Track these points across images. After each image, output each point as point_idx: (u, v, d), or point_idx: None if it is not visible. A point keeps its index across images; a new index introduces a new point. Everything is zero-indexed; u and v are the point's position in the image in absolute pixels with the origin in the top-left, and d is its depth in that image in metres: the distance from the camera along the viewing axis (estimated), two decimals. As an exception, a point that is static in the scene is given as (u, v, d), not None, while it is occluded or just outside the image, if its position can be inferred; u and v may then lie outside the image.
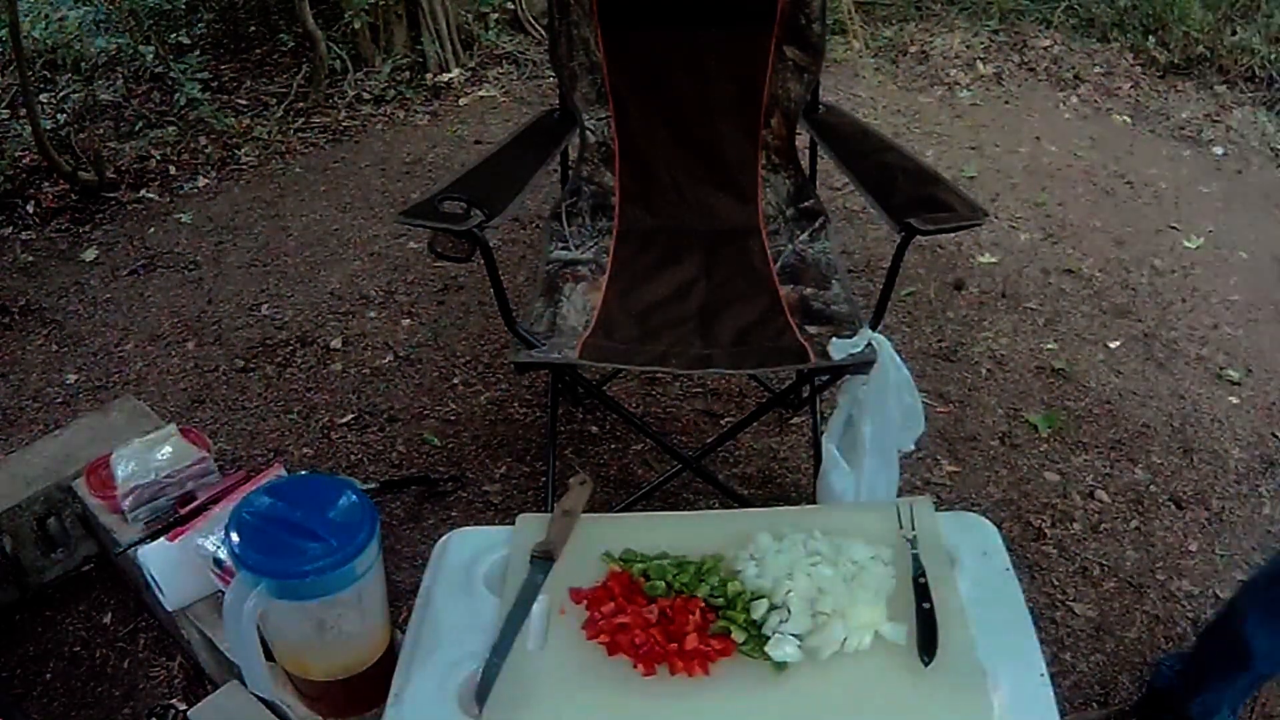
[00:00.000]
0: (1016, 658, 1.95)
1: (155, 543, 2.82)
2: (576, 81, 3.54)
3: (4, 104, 7.06)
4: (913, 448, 2.97)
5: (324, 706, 2.41)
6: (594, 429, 3.93)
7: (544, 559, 2.15)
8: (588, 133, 3.60)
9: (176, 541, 2.77)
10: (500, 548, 2.26)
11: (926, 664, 1.87)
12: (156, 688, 3.23)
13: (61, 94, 6.96)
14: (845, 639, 1.90)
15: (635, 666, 1.90)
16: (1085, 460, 3.75)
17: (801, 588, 1.96)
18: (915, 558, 2.08)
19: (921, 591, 2.00)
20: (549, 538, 2.19)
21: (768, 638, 1.91)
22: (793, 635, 1.91)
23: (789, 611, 1.93)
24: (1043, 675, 1.92)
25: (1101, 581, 3.29)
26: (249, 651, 2.19)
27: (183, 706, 2.68)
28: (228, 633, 2.25)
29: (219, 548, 2.62)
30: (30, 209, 6.15)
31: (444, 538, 2.36)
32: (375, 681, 2.21)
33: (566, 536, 2.20)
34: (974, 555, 2.17)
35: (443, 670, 2.00)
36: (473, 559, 2.25)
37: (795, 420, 3.83)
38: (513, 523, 2.33)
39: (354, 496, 2.17)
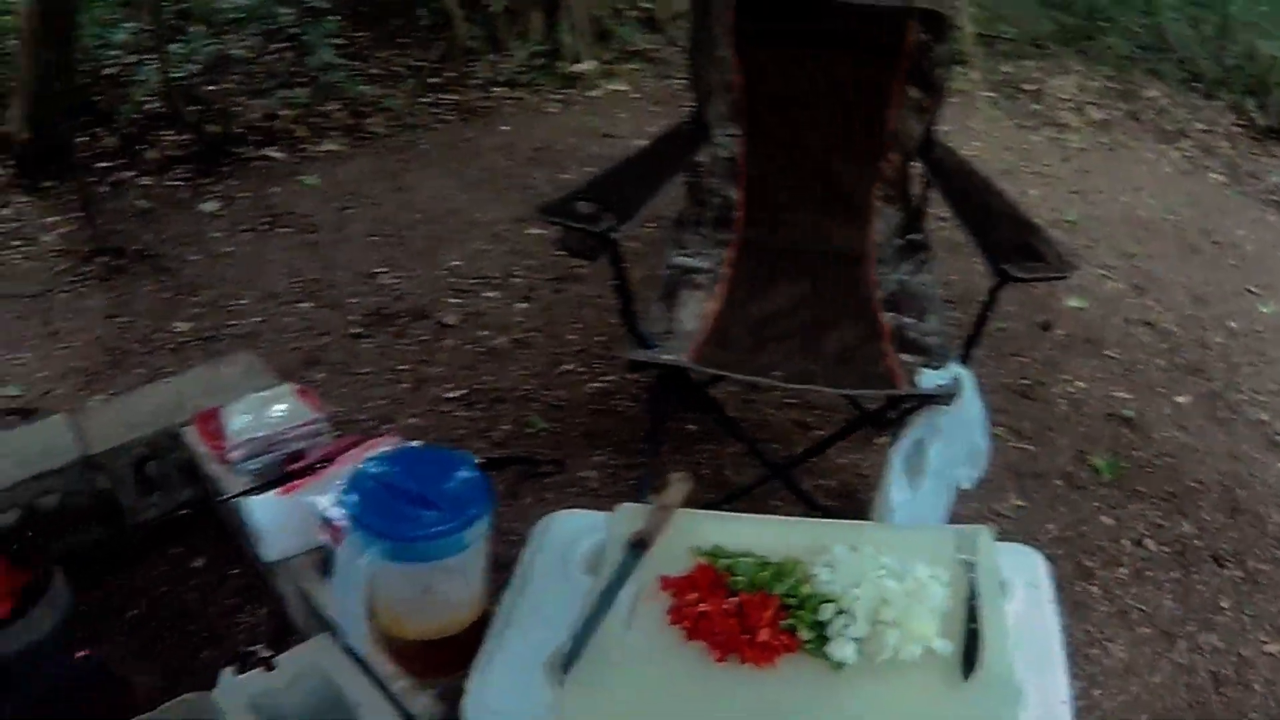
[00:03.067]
0: (1045, 683, 2.11)
1: (264, 494, 2.85)
2: (711, 97, 3.69)
3: (131, 50, 7.16)
4: (970, 486, 3.13)
5: (412, 666, 2.44)
6: (692, 428, 3.92)
7: (638, 547, 2.24)
8: (717, 147, 3.73)
9: (287, 496, 2.81)
10: (598, 532, 2.38)
11: (966, 678, 1.99)
12: (240, 635, 3.23)
13: (192, 46, 7.00)
14: (899, 647, 2.02)
15: (710, 652, 2.03)
16: (1139, 509, 3.75)
17: (867, 596, 2.08)
18: (971, 581, 2.20)
19: (971, 613, 2.12)
20: (646, 527, 2.29)
21: (830, 639, 2.03)
22: (853, 639, 2.03)
23: (853, 617, 2.05)
24: (1064, 703, 2.09)
25: (1137, 626, 3.30)
26: (354, 607, 2.34)
27: (267, 654, 2.66)
28: (336, 587, 2.37)
29: (330, 505, 2.62)
30: (151, 155, 6.22)
31: (546, 518, 2.52)
32: (464, 646, 2.28)
33: (662, 528, 2.30)
34: (1023, 586, 2.34)
35: (533, 639, 2.14)
36: (572, 540, 2.41)
37: (879, 440, 3.81)
38: (611, 510, 2.44)
39: (471, 471, 2.29)
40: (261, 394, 3.23)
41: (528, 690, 2.02)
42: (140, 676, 3.09)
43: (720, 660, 2.01)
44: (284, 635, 2.99)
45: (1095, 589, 3.42)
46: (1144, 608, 3.37)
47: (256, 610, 3.30)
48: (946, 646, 2.04)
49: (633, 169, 3.53)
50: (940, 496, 3.03)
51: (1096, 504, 3.75)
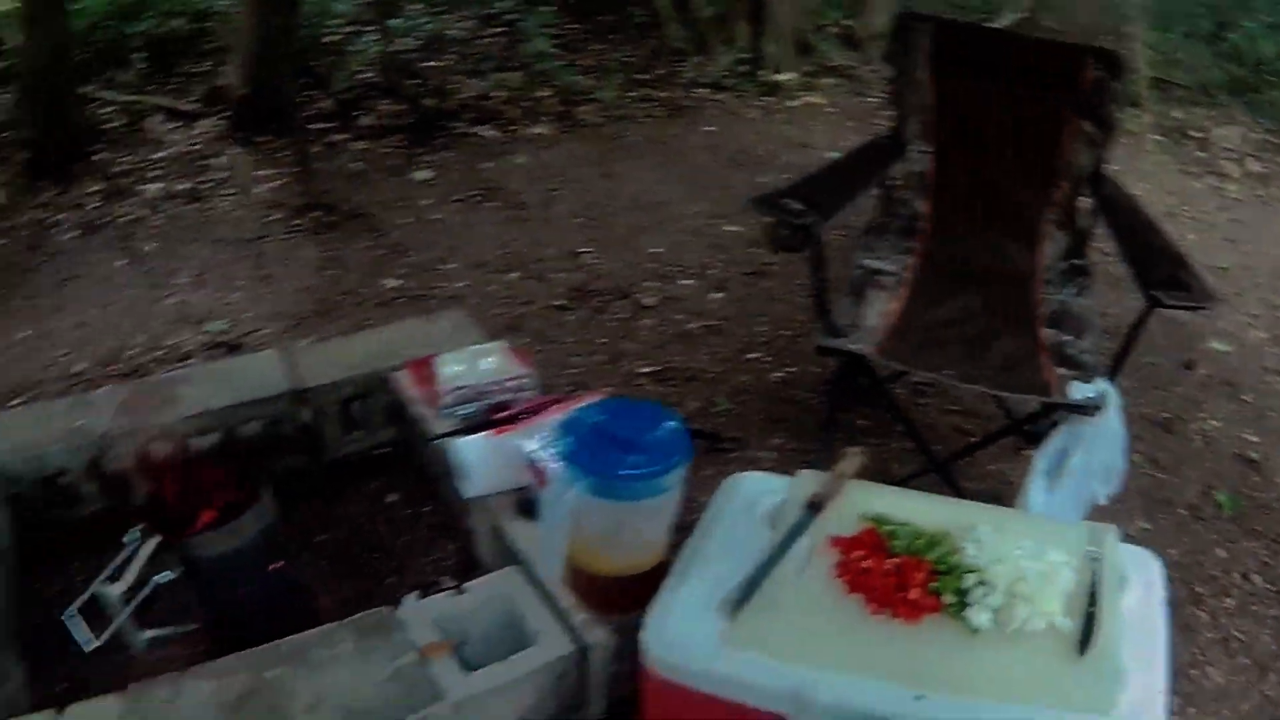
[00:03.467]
0: (1148, 671, 2.28)
1: (474, 435, 3.00)
2: (908, 116, 3.90)
3: (351, 21, 7.42)
4: (1104, 502, 3.31)
5: (593, 601, 2.61)
6: (862, 422, 4.01)
7: (814, 508, 2.47)
8: (910, 162, 3.92)
9: (496, 437, 2.96)
10: (779, 493, 2.61)
11: (1081, 654, 2.21)
12: (426, 567, 3.40)
13: (411, 22, 7.22)
14: (1027, 620, 2.26)
15: (866, 605, 2.30)
16: (1253, 546, 3.78)
17: (1006, 572, 2.32)
18: (1095, 571, 2.40)
19: (1092, 598, 2.32)
20: (822, 491, 2.51)
21: (969, 605, 2.28)
22: (990, 607, 2.27)
23: (992, 588, 2.29)
24: (1161, 693, 2.25)
25: (1236, 655, 3.33)
26: (557, 535, 2.54)
27: (451, 585, 2.81)
28: (543, 518, 2.56)
29: (537, 448, 2.77)
30: (366, 122, 6.46)
31: (735, 476, 2.78)
32: (644, 587, 2.47)
33: (836, 494, 2.53)
34: (1140, 584, 2.51)
35: (711, 580, 2.40)
36: (755, 497, 2.64)
37: (1025, 452, 3.86)
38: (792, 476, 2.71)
39: (673, 424, 2.52)
40: (474, 347, 3.40)
41: (702, 624, 2.27)
42: (326, 595, 3.28)
43: (875, 613, 2.27)
44: (468, 570, 3.12)
45: (1204, 615, 3.48)
46: (1244, 638, 3.41)
47: (445, 546, 3.46)
48: (1067, 624, 2.25)
49: (835, 174, 3.97)
50: (1076, 503, 3.19)
51: (1215, 536, 3.80)
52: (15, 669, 2.98)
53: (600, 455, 2.38)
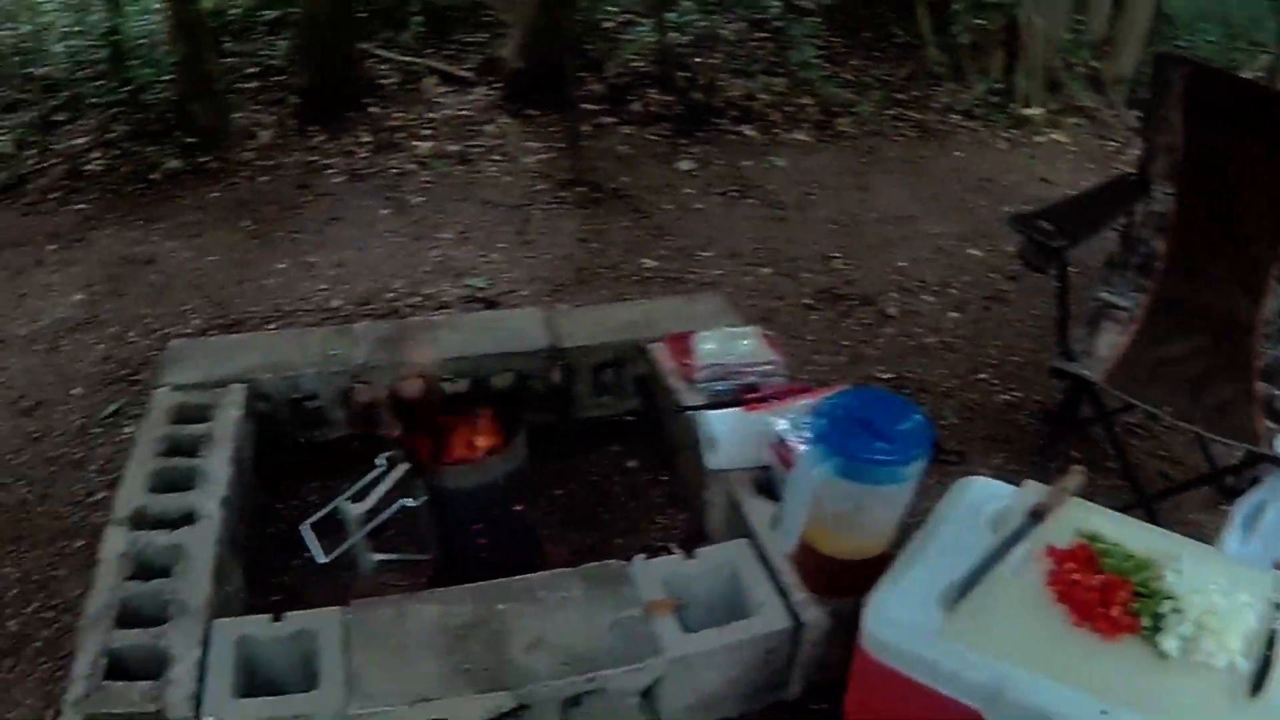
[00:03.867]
0: None
1: (726, 410, 3.23)
2: (1155, 156, 3.91)
3: (625, 10, 7.76)
4: None
5: (817, 581, 2.78)
6: (1074, 454, 4.05)
7: (1036, 517, 2.49)
8: (1152, 201, 3.94)
9: (747, 413, 3.18)
10: (1004, 499, 2.68)
11: (1252, 696, 2.25)
12: (655, 532, 3.63)
13: (684, 18, 7.49)
14: (1212, 653, 2.30)
15: (1070, 615, 2.38)
16: None
17: (1200, 604, 2.37)
18: (1276, 620, 2.42)
19: (1270, 643, 2.35)
20: (1045, 502, 2.53)
21: (1162, 630, 2.33)
22: (1180, 635, 2.32)
23: (1185, 617, 2.34)
24: None
25: None
26: (799, 508, 2.65)
27: (677, 553, 2.99)
28: (788, 492, 2.70)
29: (787, 428, 2.99)
30: (635, 108, 6.80)
31: (965, 479, 2.82)
32: (865, 575, 2.58)
33: (1057, 507, 2.55)
34: None
35: (931, 572, 2.48)
36: (981, 501, 2.70)
37: (1224, 506, 3.88)
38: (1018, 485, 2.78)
39: (919, 418, 2.61)
40: (731, 329, 3.64)
41: (922, 611, 2.38)
42: (556, 546, 3.55)
43: (1076, 624, 2.35)
44: (697, 541, 3.28)
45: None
46: None
47: (676, 516, 3.69)
48: (1244, 664, 2.30)
49: (1083, 204, 4.09)
50: (1267, 556, 3.10)
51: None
52: (237, 572, 3.23)
53: (851, 438, 2.49)
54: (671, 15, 7.24)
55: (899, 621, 2.38)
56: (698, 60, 7.30)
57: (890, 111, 7.06)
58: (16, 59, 7.95)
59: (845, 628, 2.60)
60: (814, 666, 2.81)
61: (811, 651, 2.77)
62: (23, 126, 7.08)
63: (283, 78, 7.62)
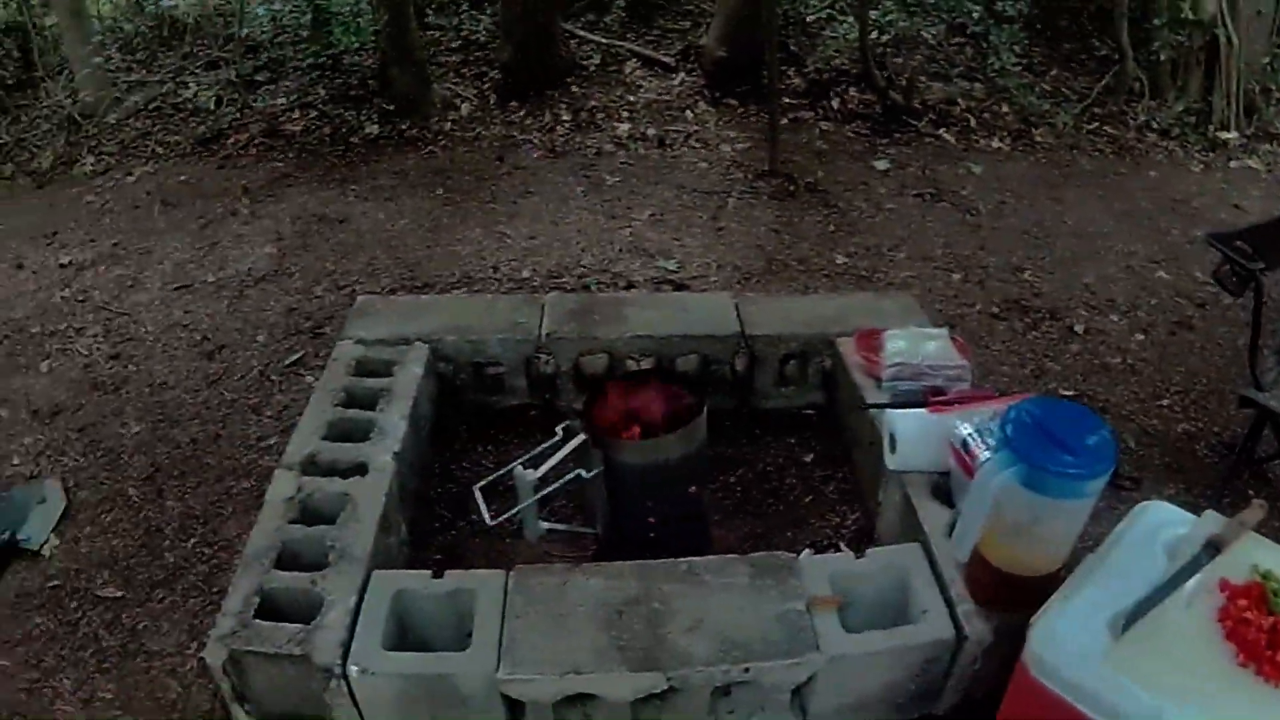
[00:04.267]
0: None
1: (913, 410, 3.14)
2: None
3: (827, 6, 7.69)
4: None
5: (984, 594, 2.71)
6: (1251, 491, 3.87)
7: (1213, 548, 2.44)
8: None
9: (934, 414, 3.08)
10: (1182, 528, 2.57)
11: None
12: (825, 528, 3.57)
13: (888, 18, 7.41)
14: None
15: (1237, 654, 2.26)
16: None
17: None
18: None
19: None
20: (1223, 535, 2.47)
21: None
22: None
23: None
24: None
25: None
26: (977, 515, 2.59)
27: (847, 549, 2.97)
28: (967, 497, 2.62)
29: (971, 433, 2.91)
30: (834, 105, 6.75)
31: (1142, 504, 2.69)
32: (1034, 592, 2.51)
33: (1235, 540, 2.47)
34: None
35: (1103, 596, 2.38)
36: (1159, 527, 2.58)
37: None
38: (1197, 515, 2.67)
39: (1106, 434, 2.50)
40: (922, 329, 3.55)
41: (1090, 635, 2.30)
42: (724, 531, 3.53)
43: (1242, 664, 2.24)
44: (866, 541, 3.31)
45: None
46: None
47: (847, 514, 3.63)
48: None
49: None
50: None
51: None
52: (401, 526, 3.28)
53: (1037, 446, 2.42)
54: (873, 13, 7.15)
55: (1066, 644, 2.30)
56: (897, 60, 7.24)
57: (1088, 126, 6.93)
58: (220, 19, 8.25)
59: (1007, 645, 2.54)
60: (969, 682, 2.75)
61: (970, 666, 2.70)
62: (222, 84, 7.34)
63: (484, 53, 7.76)
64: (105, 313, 4.92)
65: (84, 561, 3.52)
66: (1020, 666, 2.40)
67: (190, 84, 7.51)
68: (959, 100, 6.92)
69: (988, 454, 2.74)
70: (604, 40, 7.82)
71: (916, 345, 3.40)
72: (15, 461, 3.99)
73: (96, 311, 4.93)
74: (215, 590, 3.33)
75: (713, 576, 2.79)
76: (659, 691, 2.58)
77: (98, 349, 4.63)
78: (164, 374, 4.44)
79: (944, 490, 3.03)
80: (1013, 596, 2.61)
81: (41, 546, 3.56)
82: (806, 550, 2.92)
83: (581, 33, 7.90)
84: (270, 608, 2.76)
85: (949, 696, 2.79)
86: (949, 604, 2.73)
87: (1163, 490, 3.87)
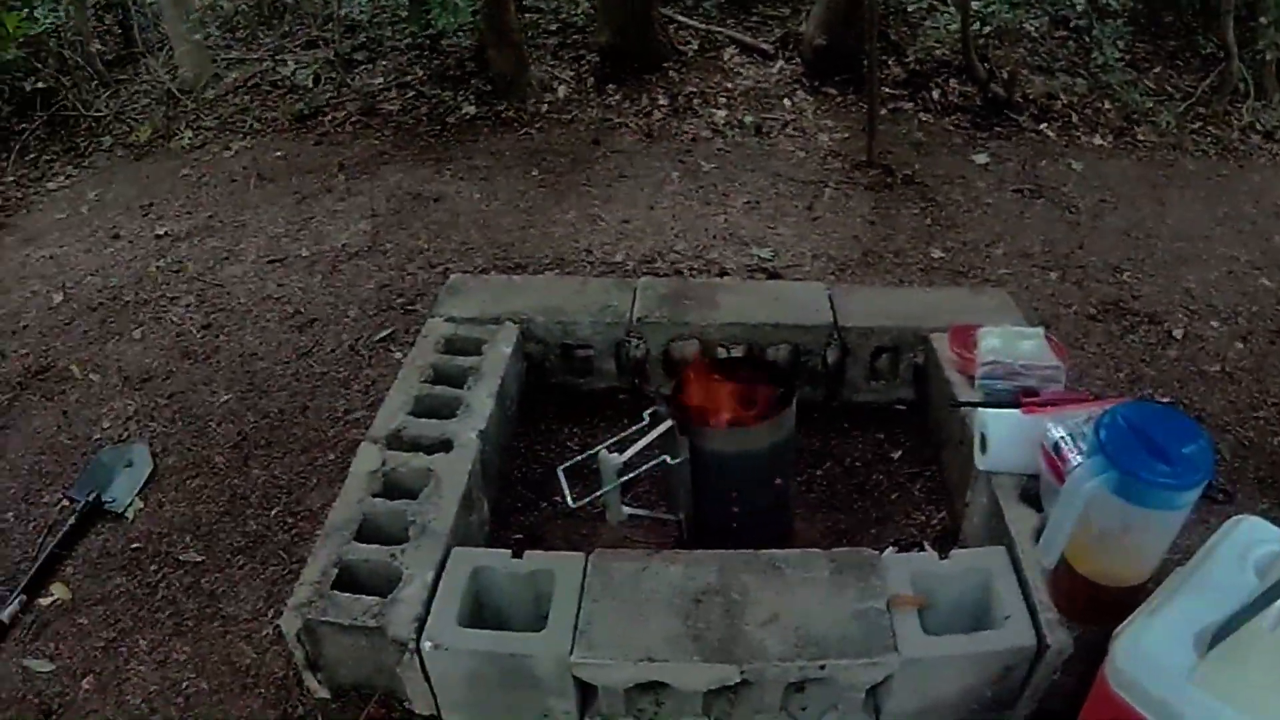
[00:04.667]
0: None
1: (1005, 410, 3.08)
2: None
3: (918, 1, 7.66)
4: None
5: (1068, 603, 2.65)
6: None
7: None
8: None
9: (1025, 417, 3.02)
10: (1274, 544, 2.48)
11: None
12: (910, 527, 3.53)
13: (990, 9, 7.31)
14: None
15: None
16: None
17: None
18: None
19: None
20: None
21: None
22: None
23: None
24: None
25: None
26: (1066, 521, 2.49)
27: (931, 549, 2.93)
28: (1057, 503, 2.52)
29: (1064, 436, 2.83)
30: (934, 96, 6.70)
31: (1236, 518, 2.60)
32: (1118, 605, 2.46)
33: None
34: None
35: (1191, 611, 2.31)
36: (1252, 543, 2.49)
37: None
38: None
39: (1204, 443, 2.40)
40: (1016, 328, 3.47)
41: (1175, 652, 2.23)
42: (806, 524, 3.51)
43: None
44: (950, 542, 3.27)
45: None
46: None
47: (933, 513, 3.58)
48: None
49: None
50: None
51: None
52: (484, 504, 3.31)
53: (1131, 453, 2.34)
54: (975, 4, 7.07)
55: (1150, 658, 2.26)
56: (999, 53, 7.15)
57: (1192, 125, 6.78)
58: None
59: (1087, 657, 2.50)
60: (1046, 692, 2.71)
61: (1049, 676, 2.66)
62: (320, 63, 7.42)
63: (582, 36, 7.78)
64: (199, 283, 5.00)
65: (167, 525, 3.59)
66: (1100, 679, 2.36)
67: (289, 62, 7.60)
68: (1060, 95, 6.80)
69: (1079, 458, 2.68)
70: (702, 26, 7.79)
71: (1011, 344, 3.34)
72: (105, 425, 4.08)
73: (190, 282, 5.01)
74: (295, 559, 3.38)
75: (793, 570, 2.78)
76: (732, 684, 2.57)
77: (190, 319, 4.71)
78: (254, 345, 4.51)
79: (1033, 494, 2.98)
80: (1098, 607, 2.56)
81: (126, 509, 3.63)
82: (890, 548, 2.89)
83: (680, 18, 7.88)
84: (348, 579, 2.80)
85: (1024, 707, 2.75)
86: (1032, 611, 2.68)
87: (1256, 504, 3.77)
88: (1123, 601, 2.45)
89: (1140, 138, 6.50)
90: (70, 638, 3.21)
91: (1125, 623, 2.36)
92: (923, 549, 2.98)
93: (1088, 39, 7.24)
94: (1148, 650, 2.27)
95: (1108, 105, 6.76)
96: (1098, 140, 6.40)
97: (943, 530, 3.49)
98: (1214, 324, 4.76)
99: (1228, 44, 6.86)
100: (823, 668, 2.55)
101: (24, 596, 3.30)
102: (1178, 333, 4.65)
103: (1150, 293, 4.93)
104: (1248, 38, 7.10)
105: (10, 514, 3.71)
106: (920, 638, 2.62)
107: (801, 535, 3.43)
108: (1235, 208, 5.89)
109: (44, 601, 3.33)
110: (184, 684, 3.04)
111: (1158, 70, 7.45)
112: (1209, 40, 7.50)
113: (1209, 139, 6.69)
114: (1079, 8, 7.19)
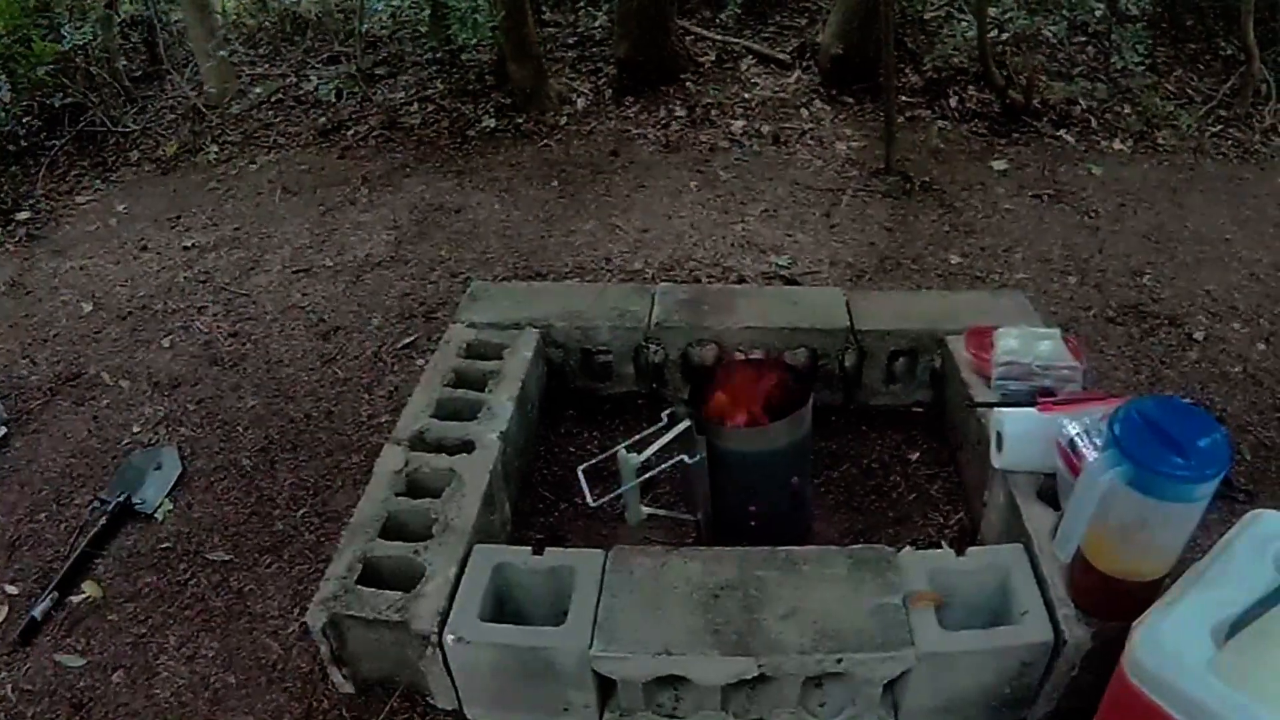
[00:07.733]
0: None
1: (1021, 409, 3.10)
2: None
3: (947, 3, 7.66)
4: None
5: (1085, 599, 2.66)
6: None
7: None
8: None
9: (1040, 415, 3.03)
10: None
11: None
12: (928, 527, 3.56)
13: (1007, 15, 7.32)
14: None
15: None
16: None
17: None
18: None
19: None
20: None
21: None
22: None
23: None
24: None
25: None
26: (1082, 515, 2.49)
27: (947, 549, 2.94)
28: (1073, 496, 2.52)
29: (1079, 433, 2.85)
30: (952, 103, 6.71)
31: (1255, 512, 2.61)
32: (1136, 597, 2.48)
33: None
34: None
35: (1210, 603, 2.32)
36: (1270, 536, 2.50)
37: None
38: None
39: (1220, 436, 2.39)
40: (1035, 329, 3.50)
41: (1193, 641, 2.23)
42: (824, 524, 3.54)
43: None
44: (967, 542, 3.28)
45: None
46: None
47: (951, 514, 3.60)
48: None
49: None
50: None
51: None
52: (505, 504, 3.36)
53: (1146, 446, 2.34)
54: (993, 11, 7.08)
55: (1169, 651, 2.25)
56: (1017, 59, 7.14)
57: (1213, 128, 6.75)
58: (340, 15, 8.43)
59: (1105, 653, 2.50)
60: (1064, 689, 2.72)
61: (1067, 672, 2.67)
62: (343, 78, 7.49)
63: (600, 49, 7.84)
64: (226, 293, 5.07)
65: (195, 526, 3.66)
66: (1119, 671, 2.35)
67: (312, 77, 7.69)
68: (1080, 100, 6.80)
69: (1095, 454, 2.68)
70: (719, 37, 7.82)
71: (1029, 345, 3.36)
72: (135, 430, 4.16)
73: (217, 292, 5.09)
74: (321, 559, 3.45)
75: (811, 566, 2.80)
76: (750, 678, 2.59)
77: (218, 327, 4.78)
78: (280, 352, 4.58)
79: (1050, 493, 2.99)
80: (1115, 602, 2.57)
81: (156, 510, 3.70)
82: (907, 547, 2.90)
83: (697, 29, 7.91)
84: (373, 575, 2.85)
85: (1043, 704, 2.77)
86: (1049, 607, 2.70)
87: (1277, 504, 3.73)
88: (1140, 597, 2.46)
89: (1160, 142, 6.48)
90: (101, 634, 3.28)
91: (1143, 615, 2.36)
92: (940, 548, 3.00)
93: (1107, 44, 7.25)
94: (1166, 642, 2.26)
95: (1128, 110, 6.75)
96: (1117, 145, 6.39)
97: (960, 530, 3.51)
98: (1236, 326, 4.76)
99: (1249, 46, 6.83)
100: (840, 661, 2.57)
101: (56, 594, 3.37)
102: (1199, 335, 4.65)
103: (1171, 295, 4.94)
104: (1269, 39, 7.10)
105: (43, 514, 3.80)
106: (937, 633, 2.64)
107: (819, 536, 3.46)
108: (1257, 210, 5.88)
109: (75, 599, 3.39)
110: (212, 678, 3.10)
111: (1178, 74, 7.42)
112: (1230, 43, 7.49)
113: (1230, 142, 6.66)
114: (1097, 13, 7.20)
